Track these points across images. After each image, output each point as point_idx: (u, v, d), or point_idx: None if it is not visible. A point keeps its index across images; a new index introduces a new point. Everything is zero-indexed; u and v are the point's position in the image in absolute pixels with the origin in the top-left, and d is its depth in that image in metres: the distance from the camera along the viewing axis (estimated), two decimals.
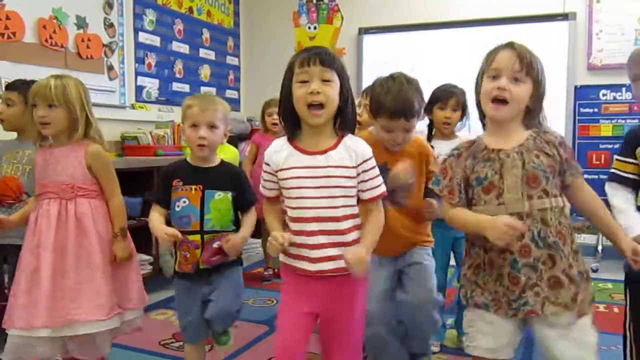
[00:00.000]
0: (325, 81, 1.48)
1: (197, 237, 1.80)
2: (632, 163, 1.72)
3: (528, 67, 1.47)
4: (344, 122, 1.55)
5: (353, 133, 1.58)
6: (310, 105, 1.47)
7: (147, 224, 3.31)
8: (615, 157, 1.79)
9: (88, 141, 1.88)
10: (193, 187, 1.81)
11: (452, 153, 1.60)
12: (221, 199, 1.81)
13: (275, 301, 3.23)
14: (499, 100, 1.47)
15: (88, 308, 1.77)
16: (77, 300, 1.77)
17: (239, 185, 1.86)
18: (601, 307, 3.13)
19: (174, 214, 1.83)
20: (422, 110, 1.86)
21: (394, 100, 1.76)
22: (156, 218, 1.85)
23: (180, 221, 1.81)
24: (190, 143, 1.84)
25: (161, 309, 3.09)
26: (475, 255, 1.54)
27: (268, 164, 1.58)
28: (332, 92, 1.49)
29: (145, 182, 3.43)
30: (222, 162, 1.92)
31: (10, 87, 2.38)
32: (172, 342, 2.62)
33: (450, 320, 2.70)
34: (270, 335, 2.69)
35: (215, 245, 1.80)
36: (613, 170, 1.78)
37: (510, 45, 1.50)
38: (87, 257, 1.81)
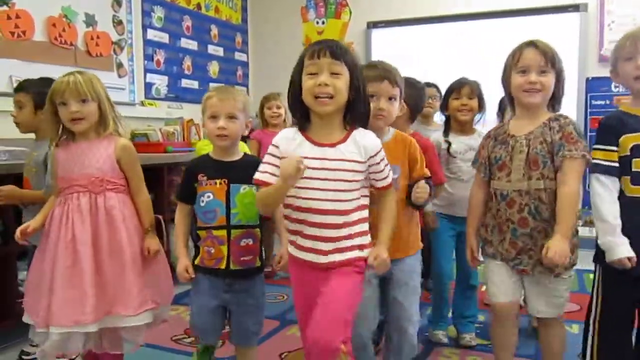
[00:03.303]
0: (335, 74, 1.48)
1: (223, 233, 1.77)
2: (614, 151, 1.68)
3: (551, 60, 1.73)
4: (354, 115, 1.55)
5: (365, 127, 1.58)
6: (317, 97, 1.47)
7: (158, 220, 3.34)
8: (595, 146, 1.72)
9: (115, 135, 1.87)
10: (217, 181, 1.78)
11: (485, 136, 1.95)
12: (246, 192, 1.78)
13: (285, 297, 3.23)
14: (533, 90, 1.73)
15: (119, 302, 1.77)
16: (112, 294, 1.77)
17: None
18: None
19: (198, 210, 1.81)
20: (402, 90, 1.82)
21: (377, 67, 1.78)
22: (180, 241, 1.86)
23: (205, 216, 1.79)
24: (210, 135, 1.81)
25: (173, 305, 3.09)
26: (488, 218, 1.88)
27: (277, 146, 1.56)
28: (341, 85, 1.48)
29: (155, 179, 3.44)
30: (246, 155, 1.89)
31: (18, 88, 2.37)
32: (184, 338, 2.64)
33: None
34: (282, 331, 2.70)
35: (242, 243, 1.78)
36: (596, 162, 1.70)
37: (532, 44, 1.76)
38: (117, 251, 1.79)
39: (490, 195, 1.86)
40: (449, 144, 2.45)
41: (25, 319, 1.84)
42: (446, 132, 2.51)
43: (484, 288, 2.86)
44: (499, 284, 1.84)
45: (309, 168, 1.48)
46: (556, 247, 1.62)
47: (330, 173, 1.50)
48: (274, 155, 1.56)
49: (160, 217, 3.36)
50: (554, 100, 1.80)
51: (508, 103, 1.92)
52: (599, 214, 1.67)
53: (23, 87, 2.34)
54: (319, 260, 1.53)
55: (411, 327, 1.83)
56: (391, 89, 1.76)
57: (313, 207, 1.51)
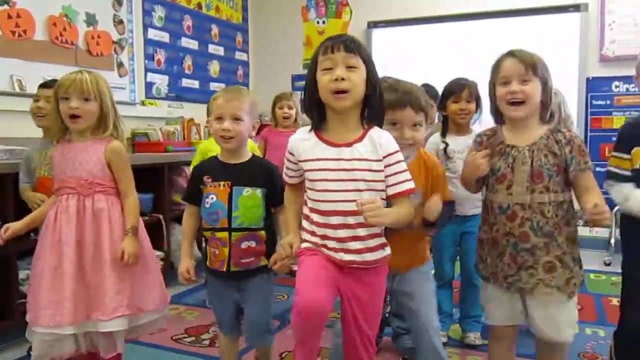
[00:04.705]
0: (350, 67, 1.45)
1: (225, 235, 1.77)
2: (627, 159, 1.73)
3: (532, 68, 1.65)
4: (371, 112, 1.52)
5: (380, 125, 1.54)
6: (335, 92, 1.44)
7: (158, 220, 3.38)
8: (612, 153, 1.78)
9: (109, 137, 1.87)
10: (221, 183, 1.78)
11: (476, 140, 1.82)
12: (249, 195, 1.77)
13: (286, 296, 3.23)
14: (516, 102, 1.66)
15: (97, 306, 1.77)
16: (94, 297, 1.77)
17: (270, 181, 1.81)
18: (614, 301, 3.10)
19: (204, 211, 1.81)
20: (428, 113, 1.76)
21: (398, 90, 1.70)
22: (186, 241, 1.88)
23: (209, 218, 1.80)
24: (215, 136, 1.81)
25: (173, 304, 3.10)
26: (483, 232, 1.78)
27: (292, 153, 1.56)
28: (358, 78, 1.45)
29: (155, 178, 3.45)
30: (254, 156, 1.88)
31: (47, 85, 2.40)
32: (185, 337, 2.64)
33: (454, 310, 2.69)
34: (282, 330, 2.69)
35: (243, 246, 1.78)
36: (610, 169, 1.77)
37: (511, 54, 1.70)
38: (99, 254, 1.79)
39: (486, 207, 1.78)
40: (446, 144, 2.46)
41: (27, 316, 1.86)
42: (444, 133, 2.51)
43: None
44: (497, 305, 1.78)
45: (324, 170, 1.48)
46: (599, 202, 1.52)
47: (348, 173, 1.47)
48: (290, 161, 1.59)
49: (161, 216, 3.40)
50: (544, 111, 1.72)
51: (493, 116, 1.82)
52: (634, 204, 1.71)
53: (49, 84, 2.36)
54: (351, 258, 1.50)
55: (432, 334, 1.74)
56: (414, 115, 1.68)
57: (337, 210, 1.48)
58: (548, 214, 1.65)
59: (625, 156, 1.72)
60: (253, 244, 1.78)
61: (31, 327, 1.79)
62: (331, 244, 1.50)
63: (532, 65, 1.65)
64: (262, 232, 1.80)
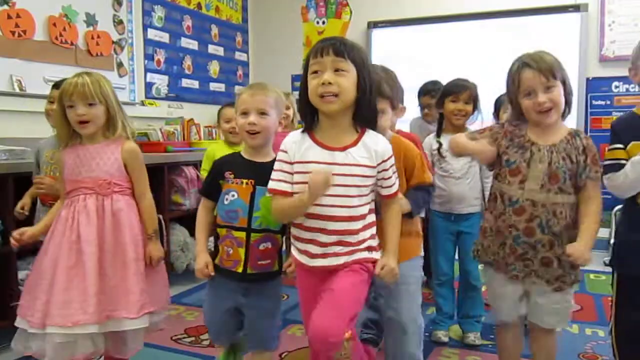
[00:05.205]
0: (339, 71, 1.44)
1: (242, 235, 1.71)
2: (623, 149, 1.72)
3: (552, 74, 1.67)
4: (362, 115, 1.50)
5: (374, 128, 1.54)
6: (322, 96, 1.43)
7: (157, 220, 3.36)
8: (608, 148, 1.77)
9: (122, 138, 1.86)
10: (244, 181, 1.72)
11: (501, 124, 1.86)
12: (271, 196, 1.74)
13: (286, 296, 3.23)
14: (544, 110, 1.68)
15: (121, 305, 1.75)
16: (113, 297, 1.75)
17: None
18: None
19: (221, 207, 1.75)
20: (394, 101, 1.74)
21: None
22: (202, 236, 1.80)
23: (227, 215, 1.73)
24: (241, 132, 1.76)
25: (173, 305, 3.09)
26: (486, 220, 1.83)
27: (286, 151, 1.53)
28: (346, 83, 1.44)
29: (155, 178, 3.43)
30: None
31: (55, 85, 2.40)
32: (184, 338, 2.64)
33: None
34: (282, 331, 2.69)
35: (262, 247, 1.73)
36: (608, 162, 1.74)
37: (528, 65, 1.69)
38: (121, 254, 1.79)
39: (495, 197, 1.79)
40: (440, 144, 2.46)
41: (18, 323, 1.80)
42: (439, 132, 2.51)
43: (484, 288, 2.86)
44: (502, 299, 1.82)
45: None
46: (578, 249, 1.63)
47: (341, 178, 1.45)
48: (284, 162, 1.53)
49: (160, 216, 3.39)
50: (565, 107, 1.75)
51: (517, 116, 1.81)
52: (627, 173, 1.66)
53: (57, 84, 2.35)
54: (331, 264, 1.50)
55: (405, 334, 1.75)
56: None
57: (325, 214, 1.47)
58: (560, 215, 1.68)
59: (621, 146, 1.71)
60: (269, 245, 1.74)
61: (33, 328, 1.72)
62: (318, 249, 1.50)
63: (550, 71, 1.67)
64: (279, 236, 1.77)
